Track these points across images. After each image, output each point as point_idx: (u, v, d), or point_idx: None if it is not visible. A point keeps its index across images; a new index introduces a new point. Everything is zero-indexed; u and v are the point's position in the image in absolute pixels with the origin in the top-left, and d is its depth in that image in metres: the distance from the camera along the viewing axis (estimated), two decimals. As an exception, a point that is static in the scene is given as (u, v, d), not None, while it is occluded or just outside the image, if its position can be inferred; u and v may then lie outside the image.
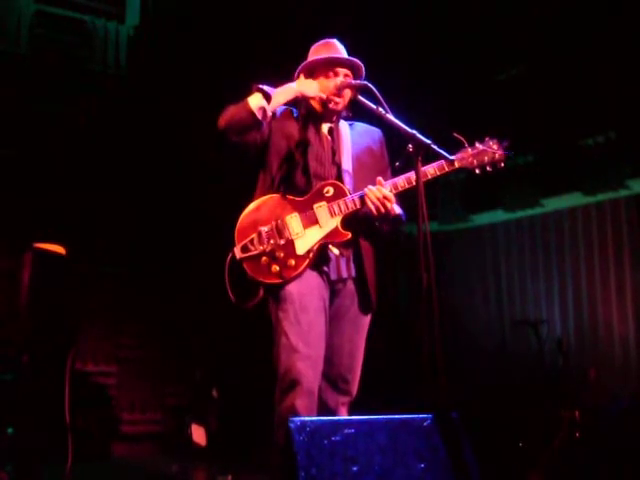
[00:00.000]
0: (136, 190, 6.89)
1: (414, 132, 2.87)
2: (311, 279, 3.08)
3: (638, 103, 6.30)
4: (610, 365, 7.01)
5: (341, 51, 3.28)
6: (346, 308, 3.17)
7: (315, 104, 3.24)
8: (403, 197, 3.27)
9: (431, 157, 3.00)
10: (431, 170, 3.06)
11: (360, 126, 3.39)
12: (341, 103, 3.22)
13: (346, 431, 2.47)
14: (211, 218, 6.87)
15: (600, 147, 6.89)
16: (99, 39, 6.47)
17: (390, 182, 3.10)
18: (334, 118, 3.30)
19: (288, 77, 3.28)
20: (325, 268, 3.12)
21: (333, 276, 3.14)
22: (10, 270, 6.16)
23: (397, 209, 3.17)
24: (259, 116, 3.04)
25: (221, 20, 6.59)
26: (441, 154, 2.96)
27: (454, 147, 3.13)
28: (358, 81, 3.16)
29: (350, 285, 3.18)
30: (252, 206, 3.15)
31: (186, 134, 6.77)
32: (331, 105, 3.21)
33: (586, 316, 7.37)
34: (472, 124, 3.17)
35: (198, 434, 6.65)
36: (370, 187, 3.07)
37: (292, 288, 3.04)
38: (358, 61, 3.25)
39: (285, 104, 3.19)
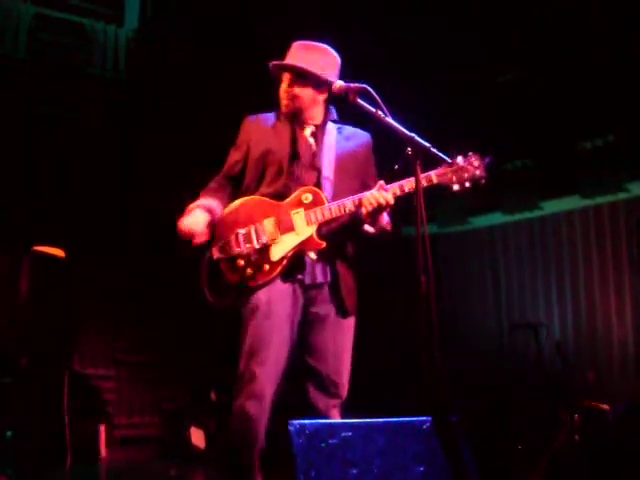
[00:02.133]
0: (135, 193, 6.88)
1: (413, 135, 2.86)
2: (281, 286, 3.09)
3: (637, 106, 6.31)
4: (609, 368, 7.01)
5: (294, 53, 3.27)
6: (325, 313, 3.16)
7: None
8: (401, 199, 3.27)
9: (430, 160, 2.99)
10: (408, 185, 3.04)
11: (348, 130, 3.37)
12: (289, 105, 3.22)
13: (345, 434, 2.47)
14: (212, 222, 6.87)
15: (599, 150, 6.90)
16: (98, 42, 6.47)
17: (397, 185, 3.08)
18: (317, 122, 3.29)
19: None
20: (299, 275, 3.12)
21: (308, 281, 3.13)
22: (8, 273, 6.16)
23: (385, 217, 3.18)
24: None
25: (220, 23, 6.59)
26: (440, 157, 2.95)
27: (435, 163, 3.08)
28: (357, 84, 3.15)
29: (325, 290, 3.17)
30: (231, 207, 3.19)
31: (185, 137, 6.77)
32: (282, 108, 3.24)
33: (585, 319, 7.36)
34: (471, 127, 3.15)
35: (197, 437, 6.64)
36: (372, 192, 3.06)
37: (260, 294, 3.06)
38: (295, 64, 3.21)
39: (266, 112, 3.22)
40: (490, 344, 8.04)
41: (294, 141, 3.23)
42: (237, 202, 3.18)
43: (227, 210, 3.18)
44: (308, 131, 3.28)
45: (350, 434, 2.48)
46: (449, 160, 3.02)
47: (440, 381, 2.56)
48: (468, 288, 8.43)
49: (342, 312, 3.18)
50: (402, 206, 3.27)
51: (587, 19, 6.04)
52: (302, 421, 2.46)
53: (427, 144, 2.86)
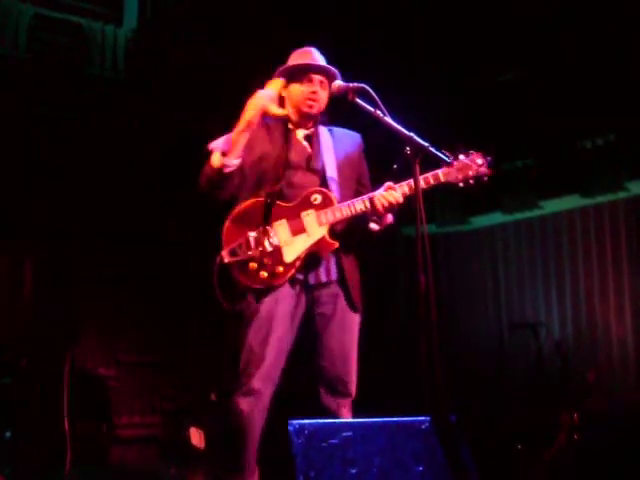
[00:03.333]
0: (134, 194, 6.88)
1: (411, 134, 2.86)
2: (284, 287, 3.10)
3: (637, 105, 6.30)
4: (609, 367, 7.01)
5: (317, 58, 3.29)
6: (331, 312, 3.17)
7: (290, 112, 3.24)
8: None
9: (429, 160, 2.99)
10: (429, 180, 3.11)
11: (339, 131, 3.40)
12: (316, 107, 3.23)
13: (344, 434, 2.47)
14: (214, 223, 6.87)
15: (599, 149, 6.90)
16: (96, 42, 6.46)
17: (406, 183, 3.11)
18: (310, 124, 3.30)
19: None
20: (300, 276, 3.13)
21: (312, 281, 3.15)
22: (9, 274, 6.16)
23: (390, 216, 3.21)
24: (226, 170, 3.06)
25: (219, 23, 6.59)
26: (439, 156, 2.96)
27: (434, 162, 3.11)
28: (356, 84, 3.15)
29: (331, 289, 3.18)
30: (239, 209, 3.18)
31: (184, 137, 6.77)
32: (305, 109, 3.21)
33: (584, 318, 7.36)
34: (470, 126, 3.15)
35: (196, 437, 6.64)
36: (381, 192, 3.10)
37: (262, 297, 3.08)
38: (333, 68, 3.25)
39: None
40: (490, 344, 8.04)
41: (289, 145, 3.23)
42: (244, 205, 3.17)
43: (234, 213, 3.17)
44: (301, 134, 3.29)
45: (349, 434, 2.48)
46: (448, 160, 3.04)
47: (439, 381, 2.56)
48: (468, 288, 8.43)
49: (349, 308, 3.19)
50: (403, 206, 3.28)
51: (587, 18, 6.04)
52: (302, 421, 2.46)
53: (426, 143, 2.87)
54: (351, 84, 3.15)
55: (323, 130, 3.34)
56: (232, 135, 3.10)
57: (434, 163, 3.08)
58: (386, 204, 3.08)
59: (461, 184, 3.15)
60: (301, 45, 3.40)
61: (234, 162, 3.07)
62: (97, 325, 6.92)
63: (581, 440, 5.18)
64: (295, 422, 2.44)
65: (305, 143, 3.27)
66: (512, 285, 8.09)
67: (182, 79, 6.65)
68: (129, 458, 6.58)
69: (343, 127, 3.44)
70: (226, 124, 3.13)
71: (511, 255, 8.15)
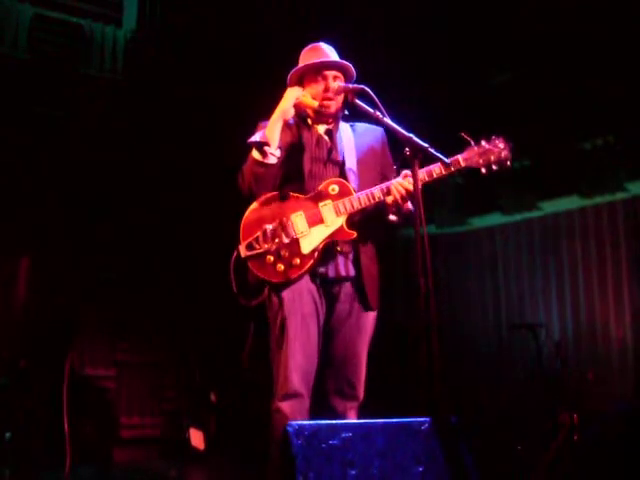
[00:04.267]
0: (134, 196, 6.88)
1: (411, 135, 2.86)
2: (302, 283, 3.08)
3: (636, 106, 6.31)
4: (608, 368, 7.01)
5: (328, 53, 3.29)
6: (347, 312, 3.16)
7: (307, 109, 3.25)
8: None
9: (428, 160, 2.99)
10: (437, 170, 3.05)
11: (361, 126, 3.40)
12: (333, 105, 3.23)
13: (344, 435, 2.47)
14: (213, 224, 6.88)
15: (598, 150, 6.90)
16: (96, 43, 6.47)
17: (424, 170, 3.06)
18: (330, 120, 3.31)
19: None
20: (322, 269, 3.11)
21: (332, 274, 3.13)
22: (6, 275, 6.16)
23: (409, 204, 3.16)
24: (271, 161, 3.06)
25: (218, 24, 6.59)
26: (438, 157, 2.95)
27: (460, 146, 3.10)
28: (355, 85, 3.16)
29: (348, 287, 3.17)
30: (256, 203, 3.16)
31: (184, 139, 6.77)
32: (323, 109, 3.22)
33: (584, 319, 7.37)
34: (469, 127, 3.14)
35: (196, 438, 6.65)
36: (399, 180, 3.08)
37: (283, 294, 3.04)
38: (345, 62, 3.25)
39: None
40: (489, 344, 8.04)
41: (311, 140, 3.25)
42: (262, 199, 3.15)
43: (252, 207, 3.16)
44: (322, 129, 3.30)
45: (349, 435, 2.48)
46: (447, 161, 3.01)
47: (439, 382, 2.56)
48: (467, 289, 8.43)
49: (365, 309, 3.17)
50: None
51: (586, 19, 6.04)
52: (301, 422, 2.46)
53: (425, 144, 2.86)
54: (350, 85, 3.16)
55: (344, 125, 3.35)
56: (267, 126, 3.11)
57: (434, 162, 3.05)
58: (403, 191, 3.05)
59: (483, 170, 3.10)
60: (303, 43, 3.39)
61: (276, 152, 3.08)
62: (97, 326, 6.92)
63: (580, 441, 5.17)
64: (294, 423, 2.44)
65: (326, 137, 3.28)
66: (511, 286, 8.09)
67: (180, 80, 6.66)
68: (129, 459, 6.57)
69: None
70: (224, 124, 3.13)
71: (510, 256, 8.15)
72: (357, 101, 3.10)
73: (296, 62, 3.34)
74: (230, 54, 6.59)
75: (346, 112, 3.36)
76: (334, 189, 3.12)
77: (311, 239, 3.06)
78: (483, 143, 3.11)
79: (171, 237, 7.00)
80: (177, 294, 7.07)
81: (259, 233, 3.07)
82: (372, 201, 3.08)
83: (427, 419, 2.61)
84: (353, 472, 2.42)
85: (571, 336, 7.41)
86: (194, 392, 7.01)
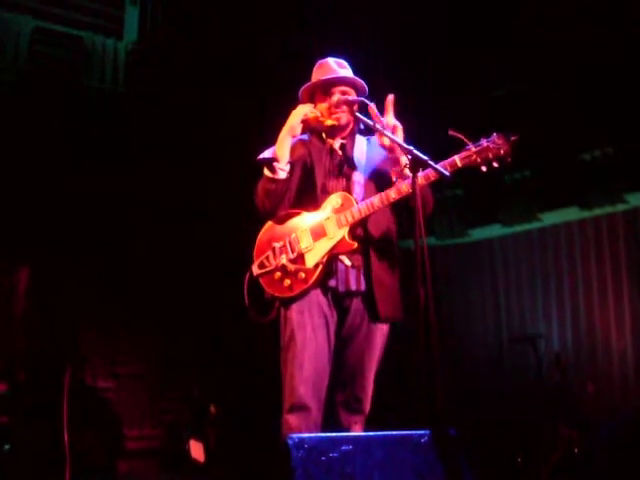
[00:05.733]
0: (133, 205, 6.88)
1: (411, 148, 2.87)
2: (312, 296, 3.11)
3: (636, 118, 6.32)
4: (608, 380, 6.99)
5: (335, 69, 3.31)
6: (358, 325, 3.19)
7: (317, 125, 3.27)
8: (401, 210, 3.27)
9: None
10: (433, 173, 3.01)
11: (375, 139, 3.41)
12: (343, 117, 3.25)
13: (344, 447, 2.46)
14: (213, 234, 6.88)
15: (598, 162, 6.90)
16: (97, 55, 6.50)
17: (422, 174, 3.02)
18: (346, 134, 3.33)
19: (291, 92, 3.33)
20: (332, 282, 3.14)
21: (342, 288, 3.15)
22: (6, 286, 6.15)
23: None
24: (280, 176, 3.13)
25: (220, 36, 6.62)
26: (438, 170, 2.95)
27: (457, 147, 3.09)
28: (355, 97, 3.18)
29: (359, 302, 3.18)
30: (269, 223, 3.25)
31: (184, 150, 6.78)
32: (334, 122, 3.24)
33: (584, 331, 7.35)
34: (469, 138, 3.14)
35: (196, 450, 6.62)
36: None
37: (294, 306, 3.08)
38: (353, 77, 3.28)
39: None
40: (489, 356, 8.03)
41: (325, 155, 3.29)
42: (274, 219, 3.24)
43: (265, 227, 3.25)
44: (337, 144, 3.33)
45: (349, 447, 2.47)
46: (447, 173, 3.00)
47: (439, 394, 2.56)
48: (467, 300, 8.43)
49: (374, 320, 3.19)
50: (402, 218, 3.28)
51: (586, 31, 6.06)
52: (300, 435, 2.46)
53: (425, 157, 2.87)
54: (350, 98, 3.19)
55: (361, 139, 3.39)
56: (277, 141, 3.18)
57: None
58: (388, 142, 3.08)
59: (483, 167, 3.06)
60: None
61: (285, 167, 3.15)
62: (96, 337, 6.91)
63: (581, 453, 5.17)
64: (294, 436, 2.43)
65: (340, 152, 3.32)
66: (511, 297, 8.09)
67: (181, 92, 6.67)
68: (128, 471, 6.55)
69: None
70: (225, 135, 3.16)
71: (510, 267, 8.15)
72: (358, 114, 3.13)
73: (299, 76, 3.37)
74: (231, 65, 6.61)
75: (362, 126, 3.38)
76: (338, 202, 3.17)
77: (315, 253, 3.11)
78: (482, 141, 3.10)
79: (172, 247, 6.99)
80: (177, 306, 7.06)
81: (269, 252, 3.16)
82: (372, 209, 3.10)
83: (427, 432, 2.61)
84: (353, 485, 2.42)
85: (571, 348, 7.40)
86: (194, 404, 6.99)
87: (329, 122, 3.22)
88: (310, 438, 2.44)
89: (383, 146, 3.13)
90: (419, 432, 2.61)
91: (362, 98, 3.14)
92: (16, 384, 5.44)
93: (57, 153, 6.53)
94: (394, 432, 2.61)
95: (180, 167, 6.80)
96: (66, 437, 5.17)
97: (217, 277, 3.17)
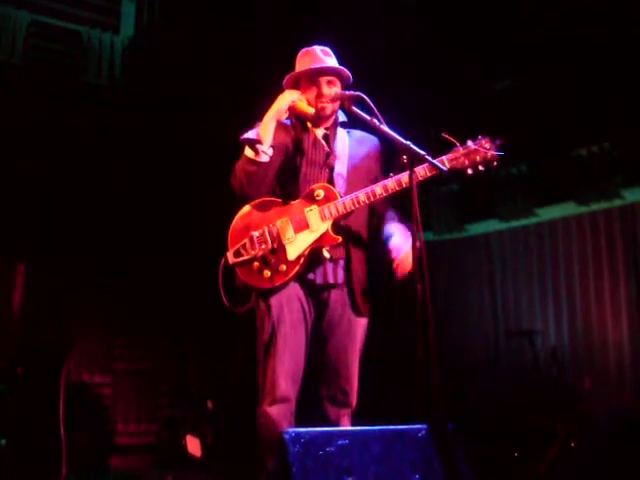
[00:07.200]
0: (131, 201, 6.87)
1: (408, 143, 2.86)
2: (291, 289, 3.09)
3: (632, 113, 6.32)
4: (605, 374, 7.00)
5: (322, 58, 3.28)
6: (338, 318, 3.17)
7: (302, 113, 3.26)
8: (398, 206, 3.28)
9: (419, 162, 2.98)
10: (421, 172, 3.03)
11: (357, 134, 3.41)
12: (329, 108, 3.23)
13: (341, 442, 2.46)
14: (209, 228, 6.86)
15: (594, 157, 6.90)
16: (94, 50, 6.47)
17: (381, 184, 3.10)
18: (329, 124, 3.32)
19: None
20: (310, 275, 3.12)
21: (319, 281, 3.14)
22: (3, 282, 6.14)
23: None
24: (262, 159, 3.07)
25: (217, 31, 6.60)
26: (435, 165, 2.95)
27: (445, 148, 3.10)
28: (352, 92, 3.17)
29: (338, 293, 3.17)
30: (244, 210, 3.18)
31: (182, 144, 6.77)
32: (319, 112, 3.23)
33: (580, 326, 7.36)
34: (465, 133, 3.15)
35: (193, 445, 6.62)
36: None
37: (272, 298, 3.05)
38: (339, 67, 3.26)
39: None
40: (486, 351, 8.04)
41: (308, 143, 3.26)
42: (250, 205, 3.17)
43: (240, 214, 3.17)
44: (320, 133, 3.30)
45: (346, 442, 2.47)
46: (444, 169, 3.01)
47: (436, 388, 2.56)
48: (464, 295, 8.43)
49: (356, 315, 3.18)
50: (399, 213, 3.28)
51: (583, 27, 6.05)
52: (297, 429, 2.46)
53: (422, 152, 2.87)
54: (347, 92, 3.17)
55: (342, 131, 3.36)
56: (261, 124, 3.13)
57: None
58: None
59: (470, 170, 3.09)
60: (302, 47, 3.40)
61: (268, 150, 3.08)
62: (93, 333, 6.90)
63: (578, 447, 5.17)
64: (291, 430, 2.43)
65: (323, 141, 3.29)
66: (508, 292, 8.09)
67: (178, 86, 6.66)
68: (125, 466, 6.55)
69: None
70: (223, 129, 3.15)
71: (507, 262, 8.15)
72: (354, 108, 3.10)
73: (293, 68, 3.35)
74: (229, 60, 6.60)
75: (344, 119, 3.37)
76: (319, 194, 3.13)
77: (297, 245, 3.07)
78: (469, 143, 3.11)
79: (169, 244, 6.99)
80: (174, 301, 7.06)
81: (246, 240, 3.08)
82: (357, 205, 3.09)
83: (424, 426, 2.61)
84: (350, 479, 2.42)
85: (568, 342, 7.40)
86: (190, 399, 6.99)
87: (312, 110, 3.19)
88: (307, 432, 2.44)
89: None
90: (416, 426, 2.61)
91: (358, 93, 3.12)
92: (13, 379, 5.43)
93: (54, 149, 6.52)
94: (391, 426, 2.61)
95: (176, 162, 6.79)
96: (63, 432, 5.17)
97: (214, 273, 3.13)
